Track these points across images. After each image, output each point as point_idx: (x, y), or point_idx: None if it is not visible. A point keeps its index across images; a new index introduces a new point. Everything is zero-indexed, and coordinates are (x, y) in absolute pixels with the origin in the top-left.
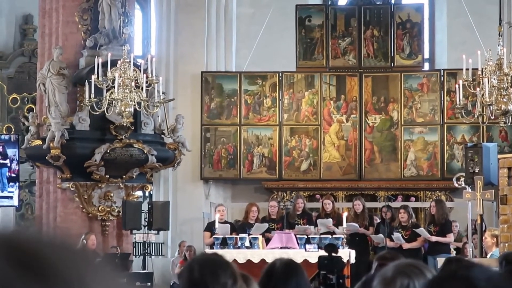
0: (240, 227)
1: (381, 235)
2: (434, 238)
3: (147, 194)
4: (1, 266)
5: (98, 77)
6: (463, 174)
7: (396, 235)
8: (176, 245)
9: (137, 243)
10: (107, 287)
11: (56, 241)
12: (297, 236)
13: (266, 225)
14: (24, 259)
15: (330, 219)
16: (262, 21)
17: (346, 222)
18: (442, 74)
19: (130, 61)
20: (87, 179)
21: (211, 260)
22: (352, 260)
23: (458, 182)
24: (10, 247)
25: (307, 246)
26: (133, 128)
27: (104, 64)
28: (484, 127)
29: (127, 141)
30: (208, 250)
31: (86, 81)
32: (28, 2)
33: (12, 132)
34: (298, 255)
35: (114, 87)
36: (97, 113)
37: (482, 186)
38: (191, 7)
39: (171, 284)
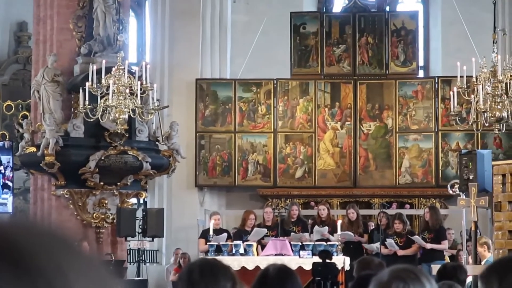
0: (236, 234)
1: (374, 245)
2: (429, 246)
3: (141, 201)
4: None
5: (92, 84)
6: (458, 181)
7: (389, 241)
8: (170, 252)
9: (131, 250)
10: (87, 276)
11: (42, 231)
12: (291, 243)
13: (265, 230)
14: (4, 248)
15: (326, 227)
16: (257, 28)
17: (341, 230)
18: (436, 81)
19: (124, 68)
20: (81, 186)
21: (211, 263)
22: (347, 267)
23: (453, 189)
24: None
25: (301, 252)
26: (127, 135)
27: (99, 71)
28: (479, 134)
29: (122, 148)
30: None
31: (81, 88)
32: (23, 9)
33: (7, 139)
34: (292, 262)
35: (108, 94)
36: (92, 120)
37: (477, 193)
38: (186, 14)
39: None
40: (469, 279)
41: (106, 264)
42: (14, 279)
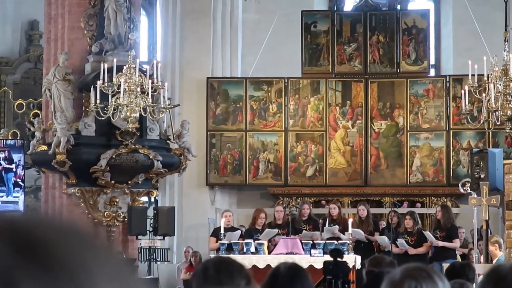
0: (247, 232)
1: (385, 237)
2: (440, 243)
3: (152, 199)
4: (2, 250)
5: (103, 83)
6: (469, 179)
7: (400, 241)
8: (181, 251)
9: (142, 249)
10: (113, 276)
11: (62, 226)
12: (302, 241)
13: (275, 231)
14: (27, 244)
15: (336, 226)
16: (268, 27)
17: (351, 228)
18: (447, 80)
19: (135, 67)
20: (92, 184)
21: (226, 261)
22: (358, 266)
23: (464, 188)
24: (14, 231)
25: (313, 251)
26: (138, 134)
27: (110, 70)
28: (490, 133)
29: (133, 146)
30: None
31: (92, 86)
32: (34, 8)
33: (18, 138)
34: (303, 260)
35: (119, 92)
36: (103, 118)
37: (488, 191)
38: (197, 13)
39: None
40: (480, 278)
41: (125, 261)
42: (36, 274)
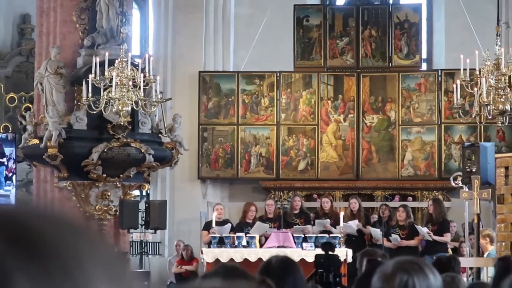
0: (238, 226)
1: (378, 230)
2: (432, 237)
3: (144, 193)
4: None
5: (95, 76)
6: (460, 173)
7: (394, 236)
8: (173, 245)
9: (134, 242)
10: (104, 266)
11: (54, 217)
12: (294, 235)
13: (267, 226)
14: (19, 234)
15: (328, 220)
16: (260, 21)
17: (343, 221)
18: (439, 74)
19: (127, 61)
20: (84, 178)
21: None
22: (349, 259)
23: (455, 182)
24: (6, 221)
25: (304, 244)
26: (130, 128)
27: (102, 64)
28: (482, 127)
29: (125, 140)
30: (206, 249)
31: (84, 80)
32: (26, 2)
33: (10, 131)
34: (295, 254)
35: (111, 86)
36: (95, 112)
37: (479, 185)
38: (189, 7)
39: (168, 283)
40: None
41: (115, 248)
42: (27, 263)
